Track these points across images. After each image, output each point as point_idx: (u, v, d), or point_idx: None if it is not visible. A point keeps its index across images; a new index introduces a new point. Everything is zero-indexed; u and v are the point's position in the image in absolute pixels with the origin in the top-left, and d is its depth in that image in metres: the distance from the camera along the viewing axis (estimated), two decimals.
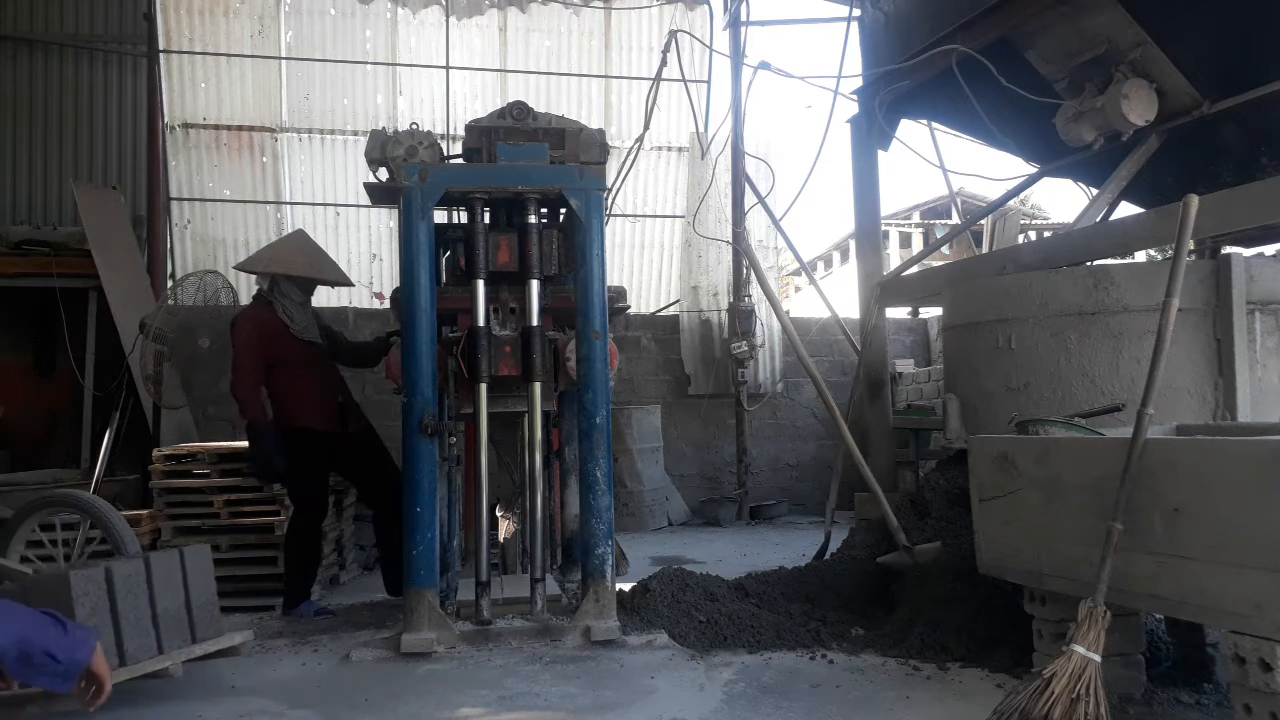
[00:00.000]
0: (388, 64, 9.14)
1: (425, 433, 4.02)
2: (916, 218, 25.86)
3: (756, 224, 8.94)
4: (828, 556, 5.20)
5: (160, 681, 3.70)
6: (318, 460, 4.96)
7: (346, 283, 5.46)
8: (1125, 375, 4.12)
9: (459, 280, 4.40)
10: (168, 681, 3.69)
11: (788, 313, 8.50)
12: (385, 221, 9.00)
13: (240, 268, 5.69)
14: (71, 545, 4.39)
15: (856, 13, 6.64)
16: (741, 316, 8.39)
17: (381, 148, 4.43)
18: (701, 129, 9.04)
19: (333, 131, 9.07)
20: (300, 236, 5.47)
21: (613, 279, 4.90)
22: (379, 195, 4.63)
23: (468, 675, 3.67)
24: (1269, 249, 5.07)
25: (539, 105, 4.93)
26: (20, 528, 4.09)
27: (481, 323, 4.10)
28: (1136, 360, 4.05)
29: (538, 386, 4.14)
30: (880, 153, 6.39)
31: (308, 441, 4.89)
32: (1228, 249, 4.82)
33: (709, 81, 9.37)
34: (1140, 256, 6.21)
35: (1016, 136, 5.78)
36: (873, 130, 6.28)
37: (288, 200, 8.99)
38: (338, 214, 9.06)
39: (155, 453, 5.33)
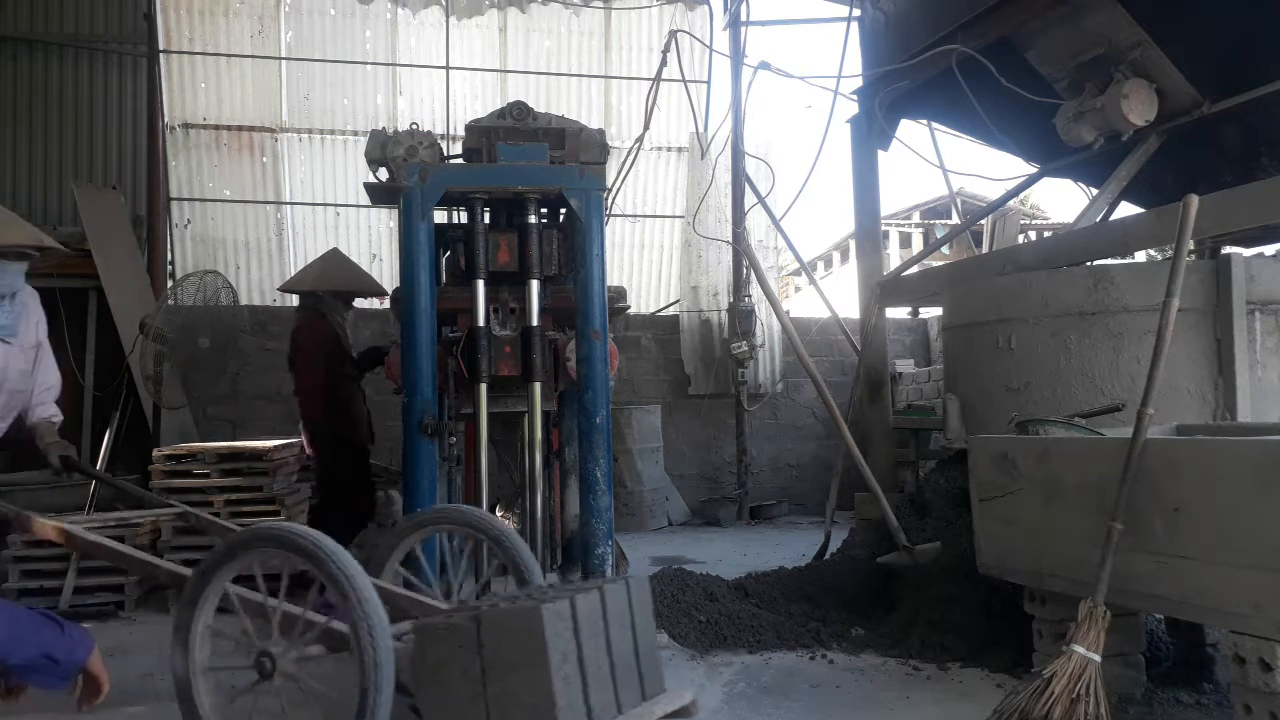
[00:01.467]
0: (388, 64, 9.14)
1: (425, 433, 4.01)
2: (916, 218, 25.82)
3: (756, 224, 8.94)
4: (828, 556, 5.20)
5: (161, 681, 3.69)
6: (359, 473, 5.09)
7: (382, 293, 5.55)
8: (1125, 375, 4.12)
9: (459, 280, 4.39)
10: (167, 681, 3.67)
11: (788, 313, 8.50)
12: (385, 221, 9.00)
13: (286, 288, 5.81)
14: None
15: (856, 13, 6.64)
16: (741, 316, 8.39)
17: (381, 148, 4.43)
18: (701, 129, 9.04)
19: (333, 131, 9.07)
20: (337, 254, 5.68)
21: (613, 279, 4.90)
22: (379, 195, 4.63)
23: None
24: (1269, 249, 5.07)
25: (539, 105, 4.92)
26: (399, 546, 3.51)
27: (481, 322, 4.10)
28: (1136, 360, 4.05)
29: (538, 386, 4.13)
30: (880, 153, 6.40)
31: (353, 454, 5.03)
32: (1228, 249, 4.82)
33: (709, 81, 9.37)
34: (1140, 256, 6.21)
35: (1016, 136, 5.78)
36: (873, 130, 6.28)
37: (288, 200, 8.99)
38: (338, 214, 9.06)
39: (155, 453, 5.33)
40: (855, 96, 6.61)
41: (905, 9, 6.06)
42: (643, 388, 9.00)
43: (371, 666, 2.43)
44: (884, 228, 7.85)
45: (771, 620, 4.20)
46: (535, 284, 4.16)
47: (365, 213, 8.96)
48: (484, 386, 4.09)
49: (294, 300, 8.63)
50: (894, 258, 20.36)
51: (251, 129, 8.91)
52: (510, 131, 4.37)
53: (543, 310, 4.18)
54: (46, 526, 2.90)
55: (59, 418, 3.67)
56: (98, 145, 8.64)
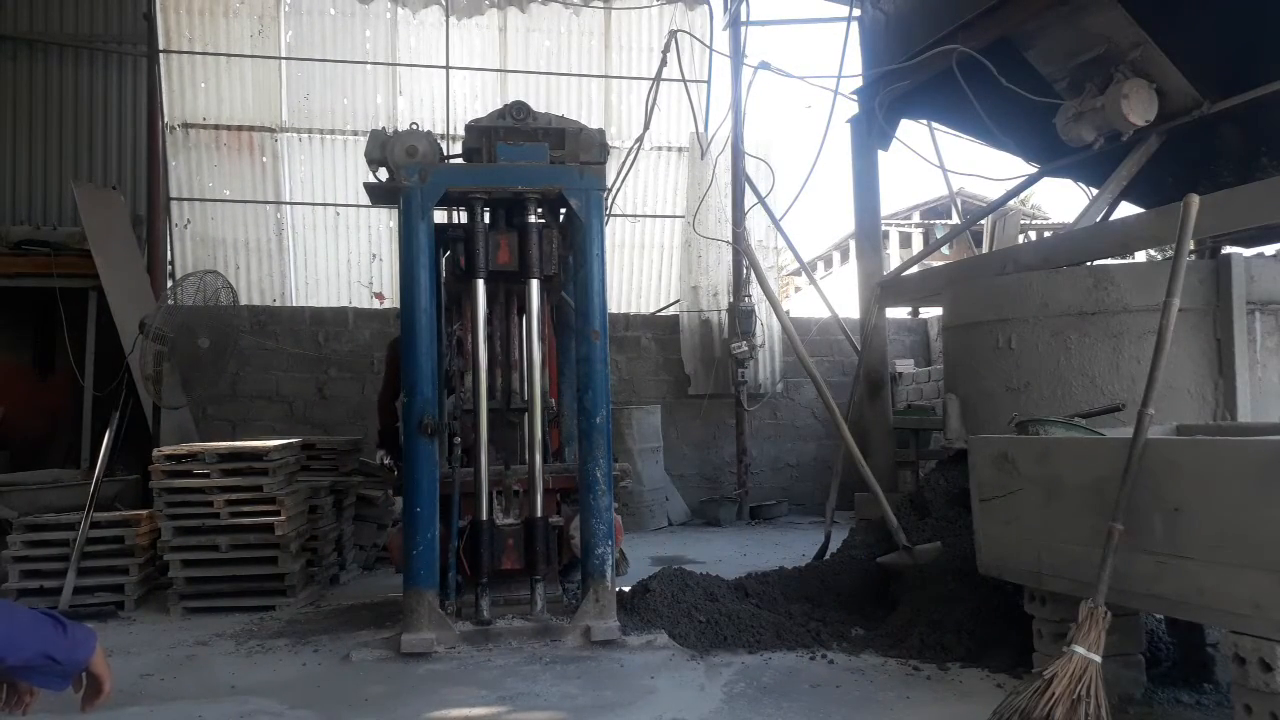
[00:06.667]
0: (388, 64, 9.14)
1: (425, 433, 4.01)
2: (916, 218, 25.81)
3: (756, 224, 8.94)
4: (828, 556, 5.20)
5: (160, 681, 3.71)
6: None
7: None
8: (1125, 375, 4.12)
9: (457, 283, 4.38)
10: (167, 681, 3.70)
11: (788, 313, 8.50)
12: (385, 221, 8.99)
13: None
14: None
15: (856, 13, 6.64)
16: (741, 316, 8.39)
17: (381, 147, 4.42)
18: (701, 129, 9.04)
19: (333, 131, 9.06)
20: None
21: (613, 279, 4.92)
22: (379, 195, 4.63)
23: (468, 675, 3.67)
24: (1269, 249, 5.07)
25: (539, 105, 4.92)
26: None
27: (485, 515, 4.06)
28: (1136, 360, 4.05)
29: (541, 585, 4.16)
30: (880, 153, 6.39)
31: None
32: (1228, 249, 4.82)
33: (709, 81, 9.37)
34: (1140, 256, 6.21)
35: (1016, 136, 5.78)
36: (873, 130, 6.27)
37: (287, 200, 8.98)
38: (338, 214, 9.06)
39: (155, 453, 5.31)
40: (855, 96, 6.60)
41: (905, 9, 6.06)
42: (643, 388, 9.00)
43: None
44: (884, 228, 7.86)
45: (771, 620, 4.19)
46: (535, 283, 4.17)
47: (365, 213, 8.95)
48: (485, 581, 4.09)
49: (293, 300, 8.71)
50: (894, 258, 20.34)
51: (251, 129, 8.91)
52: (510, 131, 4.37)
53: (542, 312, 4.18)
54: None
55: None
56: (98, 145, 8.64)
